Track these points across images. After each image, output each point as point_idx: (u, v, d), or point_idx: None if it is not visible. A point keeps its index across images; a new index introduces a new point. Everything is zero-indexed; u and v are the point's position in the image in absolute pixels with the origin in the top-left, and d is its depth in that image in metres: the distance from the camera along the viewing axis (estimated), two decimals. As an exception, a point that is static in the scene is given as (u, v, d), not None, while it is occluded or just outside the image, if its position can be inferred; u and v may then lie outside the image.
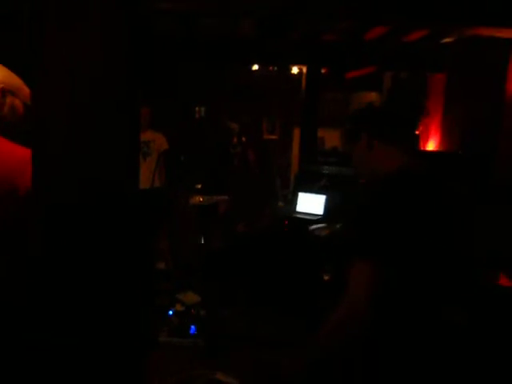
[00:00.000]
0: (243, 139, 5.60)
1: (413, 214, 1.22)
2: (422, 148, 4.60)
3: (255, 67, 5.56)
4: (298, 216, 4.11)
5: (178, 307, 2.79)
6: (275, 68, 5.92)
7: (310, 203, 4.20)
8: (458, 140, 4.14)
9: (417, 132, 4.61)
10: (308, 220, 3.93)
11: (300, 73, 5.15)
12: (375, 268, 1.15)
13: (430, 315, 1.21)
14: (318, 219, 3.95)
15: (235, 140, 5.56)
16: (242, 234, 3.60)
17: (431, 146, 4.51)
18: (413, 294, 1.21)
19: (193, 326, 2.62)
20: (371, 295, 1.14)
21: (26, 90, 1.31)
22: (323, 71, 4.89)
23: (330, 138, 6.36)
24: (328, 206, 4.03)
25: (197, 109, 6.61)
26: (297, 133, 6.07)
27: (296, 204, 4.25)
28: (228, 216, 3.78)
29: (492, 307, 2.53)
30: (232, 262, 3.40)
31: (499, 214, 3.36)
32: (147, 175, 4.03)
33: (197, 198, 5.11)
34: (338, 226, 3.51)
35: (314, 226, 3.57)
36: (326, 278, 3.04)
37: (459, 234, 1.30)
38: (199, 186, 5.48)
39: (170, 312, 2.73)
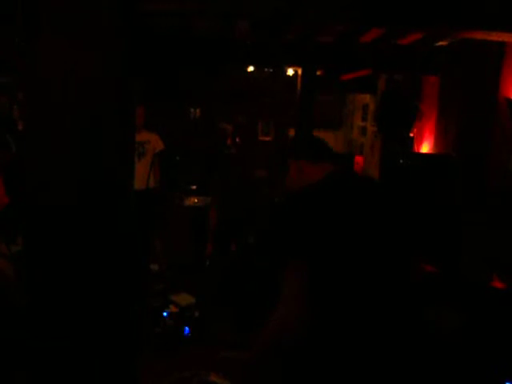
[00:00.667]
0: (237, 140, 5.60)
1: (334, 215, 1.24)
2: (416, 150, 4.64)
3: (250, 68, 5.58)
4: None
5: (172, 309, 2.78)
6: (270, 69, 5.95)
7: None
8: (451, 142, 4.16)
9: (411, 134, 4.63)
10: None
11: (295, 74, 5.17)
12: (303, 269, 1.14)
13: (375, 315, 1.17)
14: None
15: (229, 141, 5.57)
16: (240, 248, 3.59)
17: (425, 148, 4.53)
18: (345, 295, 1.19)
19: (187, 328, 2.62)
20: (303, 295, 1.13)
21: None
22: (318, 73, 4.90)
23: (326, 140, 6.36)
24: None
25: (192, 110, 6.62)
26: (292, 134, 6.14)
27: None
28: (219, 226, 3.77)
29: (485, 307, 2.55)
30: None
31: (493, 218, 3.41)
32: (142, 176, 4.02)
33: (192, 199, 5.13)
34: None
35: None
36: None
37: (397, 236, 1.29)
38: (194, 187, 5.50)
39: (165, 313, 2.73)
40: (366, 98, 6.22)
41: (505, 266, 2.94)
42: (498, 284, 2.85)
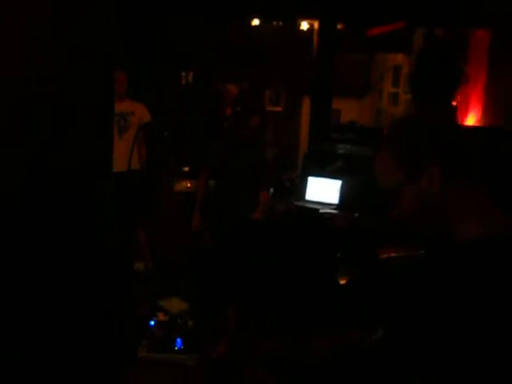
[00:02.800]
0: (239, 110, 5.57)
1: None
2: (460, 122, 4.55)
3: (256, 22, 5.52)
4: (308, 205, 4.12)
5: (161, 317, 2.81)
6: (280, 23, 5.89)
7: (323, 190, 4.20)
8: (503, 113, 4.13)
9: (454, 103, 4.57)
10: (320, 210, 3.95)
11: (311, 29, 5.12)
12: None
13: None
14: (332, 209, 3.95)
15: (229, 111, 5.49)
16: (240, 227, 3.62)
17: (471, 120, 4.49)
18: None
19: (179, 339, 2.64)
20: None
21: None
22: (339, 27, 4.85)
23: (348, 110, 6.32)
24: (344, 193, 4.03)
25: (183, 74, 6.58)
26: (306, 104, 6.02)
27: (305, 191, 4.25)
28: (216, 205, 3.80)
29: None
30: (227, 262, 3.41)
31: None
32: (124, 155, 3.99)
33: (183, 184, 5.12)
34: (356, 215, 3.51)
35: (326, 211, 3.59)
36: (341, 281, 3.05)
37: None
38: (186, 169, 5.48)
39: (152, 322, 2.75)
40: (399, 58, 6.18)
41: None
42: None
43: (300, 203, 4.17)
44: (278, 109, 6.61)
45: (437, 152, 1.19)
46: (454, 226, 1.19)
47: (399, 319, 1.21)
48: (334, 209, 3.94)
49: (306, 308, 2.84)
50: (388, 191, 1.23)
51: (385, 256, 2.79)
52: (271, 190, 4.27)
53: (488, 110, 4.35)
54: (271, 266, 3.27)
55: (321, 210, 3.95)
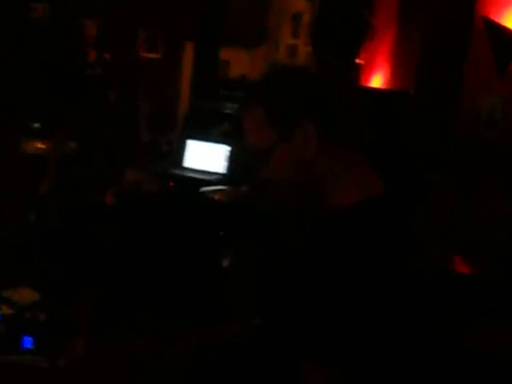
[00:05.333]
0: (106, 56, 5.39)
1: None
2: (364, 83, 4.74)
3: None
4: (188, 174, 4.19)
5: (5, 310, 2.73)
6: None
7: (205, 156, 4.25)
8: (413, 74, 4.29)
9: (358, 60, 4.62)
10: (202, 181, 3.97)
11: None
12: None
13: None
14: (217, 180, 4.00)
15: (92, 56, 5.28)
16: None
17: (376, 81, 4.66)
18: None
19: (28, 337, 2.57)
20: None
21: None
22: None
23: (239, 63, 6.48)
24: (231, 161, 4.12)
25: (34, 5, 6.22)
26: (189, 52, 5.98)
27: (184, 157, 4.30)
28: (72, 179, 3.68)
29: (441, 298, 2.67)
30: (78, 243, 3.36)
31: (457, 177, 3.65)
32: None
33: (33, 144, 4.87)
34: (244, 188, 3.58)
35: (210, 188, 3.60)
36: (225, 264, 3.15)
37: None
38: (37, 125, 5.21)
39: (-8, 317, 2.65)
40: (300, 4, 6.26)
41: (470, 243, 3.17)
42: (461, 268, 3.06)
43: (177, 171, 4.19)
44: (155, 56, 6.36)
45: (312, 106, 1.23)
46: (329, 191, 1.25)
47: (280, 303, 1.28)
48: (219, 179, 3.98)
49: (181, 297, 2.87)
50: (258, 152, 1.26)
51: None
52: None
53: (396, 71, 4.51)
54: (136, 249, 3.29)
55: (202, 180, 4.02)
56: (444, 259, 3.09)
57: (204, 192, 3.58)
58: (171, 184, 4.00)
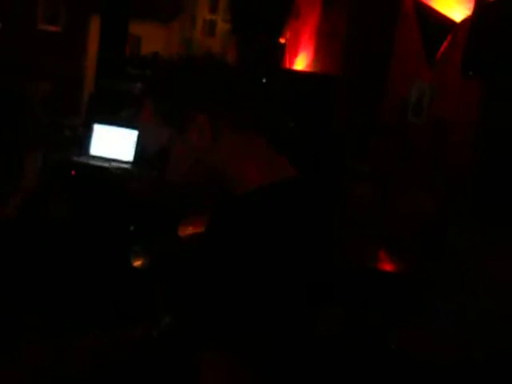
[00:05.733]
0: None
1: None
2: (287, 65, 4.71)
3: None
4: (93, 162, 4.03)
5: None
6: None
7: (114, 142, 4.13)
8: (338, 57, 4.28)
9: (282, 40, 4.70)
10: (110, 170, 3.92)
11: None
12: None
13: None
14: (125, 167, 3.95)
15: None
16: None
17: (300, 63, 4.61)
18: None
19: None
20: None
21: None
22: None
23: (150, 38, 6.34)
24: (142, 148, 3.85)
25: None
26: (95, 25, 5.73)
27: (90, 143, 4.14)
28: None
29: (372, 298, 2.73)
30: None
31: (380, 168, 3.64)
32: None
33: None
34: (155, 178, 3.39)
35: (119, 178, 3.59)
36: (136, 263, 3.01)
37: None
38: None
39: None
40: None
41: (397, 239, 3.14)
42: (386, 265, 3.05)
43: (82, 159, 4.03)
44: (55, 29, 6.21)
45: (205, 98, 1.27)
46: (232, 179, 1.29)
47: (191, 299, 1.30)
48: (129, 168, 3.94)
49: (83, 300, 2.76)
50: (156, 149, 1.30)
51: (184, 233, 2.95)
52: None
53: (321, 52, 4.50)
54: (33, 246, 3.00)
55: (110, 167, 3.92)
56: (368, 254, 3.10)
57: (113, 182, 3.54)
58: (73, 173, 3.86)
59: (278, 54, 4.73)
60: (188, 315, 1.30)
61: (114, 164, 3.99)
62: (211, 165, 1.29)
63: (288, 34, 4.71)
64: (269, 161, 1.32)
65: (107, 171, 3.88)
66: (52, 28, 6.12)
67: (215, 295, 1.18)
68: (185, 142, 1.27)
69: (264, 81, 4.18)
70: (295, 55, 4.67)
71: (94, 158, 4.05)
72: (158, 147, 1.31)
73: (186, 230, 3.24)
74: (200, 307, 1.22)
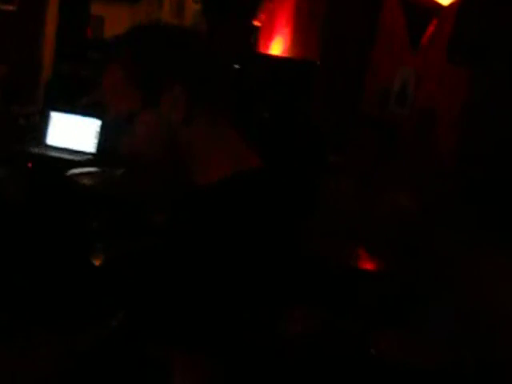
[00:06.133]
0: None
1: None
2: (262, 49, 4.72)
3: None
4: (51, 154, 3.96)
5: None
6: None
7: (73, 132, 4.06)
8: (317, 43, 4.25)
9: (256, 23, 4.69)
10: (69, 161, 3.81)
11: None
12: None
13: None
14: (86, 160, 3.87)
15: None
16: None
17: (276, 47, 4.63)
18: None
19: None
20: None
21: None
22: None
23: (114, 20, 6.28)
24: (104, 138, 3.95)
25: None
26: (54, 5, 5.68)
27: (47, 133, 4.07)
28: None
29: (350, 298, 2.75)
30: None
31: (359, 162, 3.58)
32: None
33: None
34: (118, 172, 3.46)
35: (76, 171, 3.48)
36: (95, 260, 3.13)
37: None
38: None
39: None
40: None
41: (375, 236, 3.11)
42: (366, 264, 3.04)
43: (39, 150, 3.96)
44: (9, 8, 5.92)
45: (182, 65, 1.25)
46: (196, 165, 1.28)
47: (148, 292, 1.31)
48: (89, 160, 3.87)
49: (39, 301, 2.87)
50: (119, 122, 1.24)
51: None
52: None
53: (298, 37, 4.49)
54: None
55: (68, 160, 3.84)
56: (347, 252, 3.08)
57: (71, 175, 3.46)
58: (30, 165, 3.84)
59: (252, 37, 4.74)
60: (141, 311, 1.34)
61: (73, 155, 3.96)
62: (177, 145, 1.26)
63: (263, 17, 4.72)
64: (236, 152, 1.31)
65: (66, 163, 3.80)
66: (6, 7, 5.94)
67: (173, 290, 1.19)
68: (156, 116, 1.23)
69: (237, 67, 4.15)
70: (271, 39, 4.69)
71: (52, 148, 3.99)
72: (124, 119, 1.23)
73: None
74: (154, 303, 1.23)
